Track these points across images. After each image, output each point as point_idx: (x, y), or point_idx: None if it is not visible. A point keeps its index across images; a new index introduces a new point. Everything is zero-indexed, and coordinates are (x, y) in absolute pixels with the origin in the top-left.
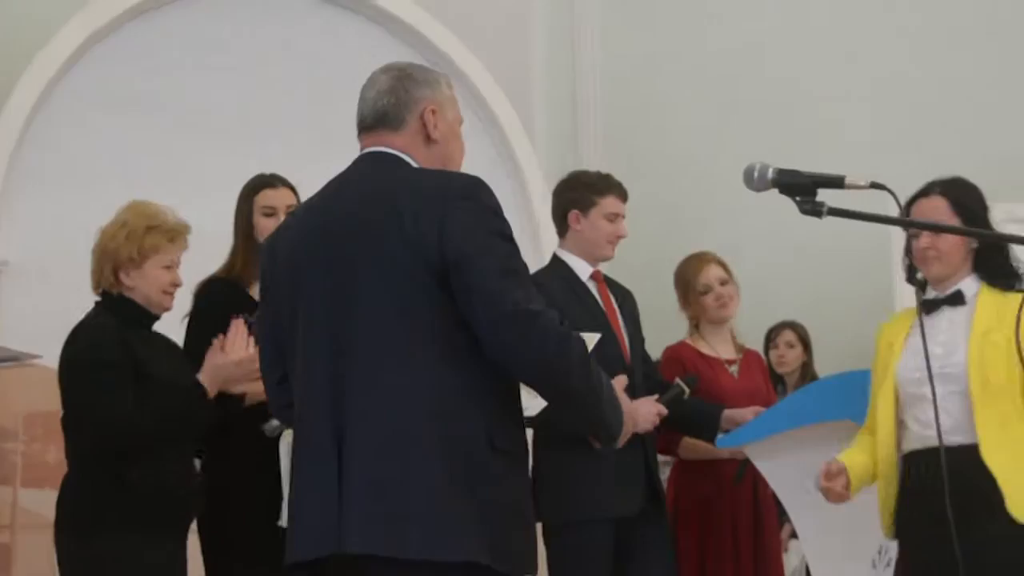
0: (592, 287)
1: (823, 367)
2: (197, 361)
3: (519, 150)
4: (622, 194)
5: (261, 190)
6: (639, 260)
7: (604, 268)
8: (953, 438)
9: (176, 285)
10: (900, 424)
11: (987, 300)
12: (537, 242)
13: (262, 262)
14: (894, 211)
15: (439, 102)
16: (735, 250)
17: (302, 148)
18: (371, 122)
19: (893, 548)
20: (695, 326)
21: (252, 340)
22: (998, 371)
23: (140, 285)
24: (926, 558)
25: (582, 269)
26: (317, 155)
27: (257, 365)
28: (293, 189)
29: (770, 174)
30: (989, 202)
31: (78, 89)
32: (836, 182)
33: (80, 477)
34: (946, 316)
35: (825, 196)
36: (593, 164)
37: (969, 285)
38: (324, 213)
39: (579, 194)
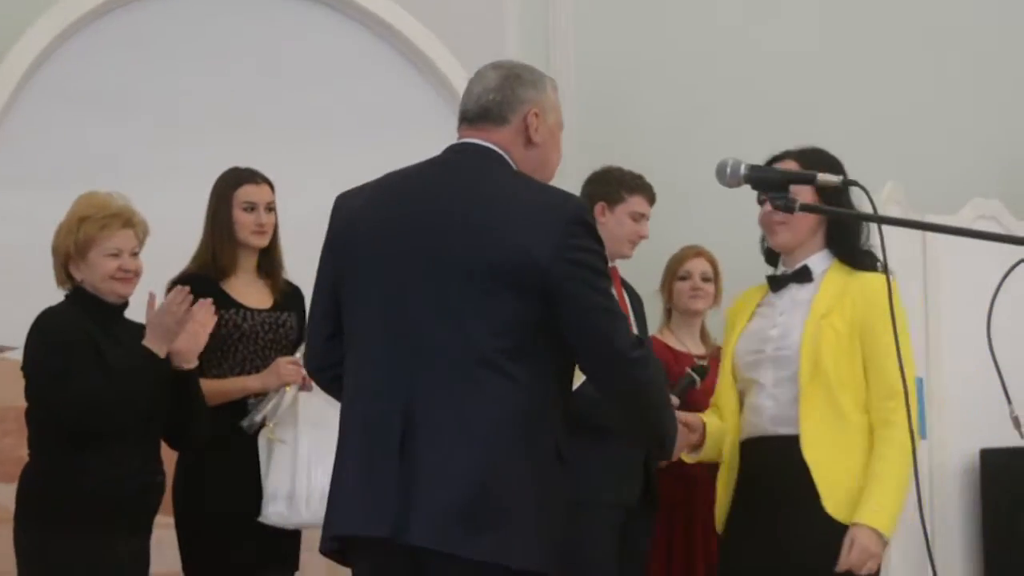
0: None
1: None
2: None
3: None
4: (651, 197)
5: (241, 185)
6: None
7: None
8: (780, 428)
9: (127, 271)
10: (742, 409)
11: (834, 279)
12: None
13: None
14: (867, 207)
15: (543, 105)
16: (706, 245)
17: (275, 143)
18: (473, 116)
19: None
20: (667, 317)
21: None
22: (832, 358)
23: (87, 276)
24: (742, 551)
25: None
26: (289, 150)
27: (184, 310)
28: (271, 185)
29: (742, 170)
30: (960, 201)
31: (48, 87)
32: (808, 179)
33: (38, 468)
34: (791, 294)
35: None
36: (565, 161)
37: (818, 261)
38: (415, 194)
39: (610, 188)
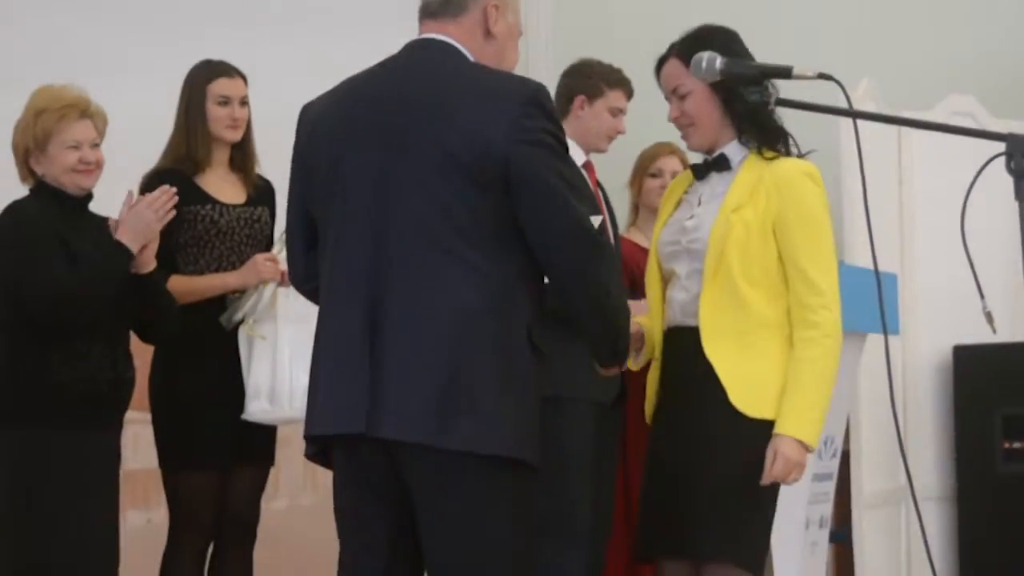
0: (584, 175)
1: None
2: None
3: None
4: (630, 92)
5: (216, 79)
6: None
7: None
8: (690, 320)
9: (88, 162)
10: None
11: (750, 169)
12: None
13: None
14: (843, 102)
15: (505, 1)
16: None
17: (249, 38)
18: (435, 8)
19: (839, 440)
20: (635, 214)
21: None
22: (739, 252)
23: (48, 170)
24: (656, 443)
25: (577, 155)
26: (264, 45)
27: (162, 209)
28: (245, 79)
29: (718, 64)
30: (935, 98)
31: None
32: (784, 72)
33: (5, 364)
34: (711, 184)
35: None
36: (539, 55)
37: (735, 150)
38: (374, 92)
39: (591, 82)
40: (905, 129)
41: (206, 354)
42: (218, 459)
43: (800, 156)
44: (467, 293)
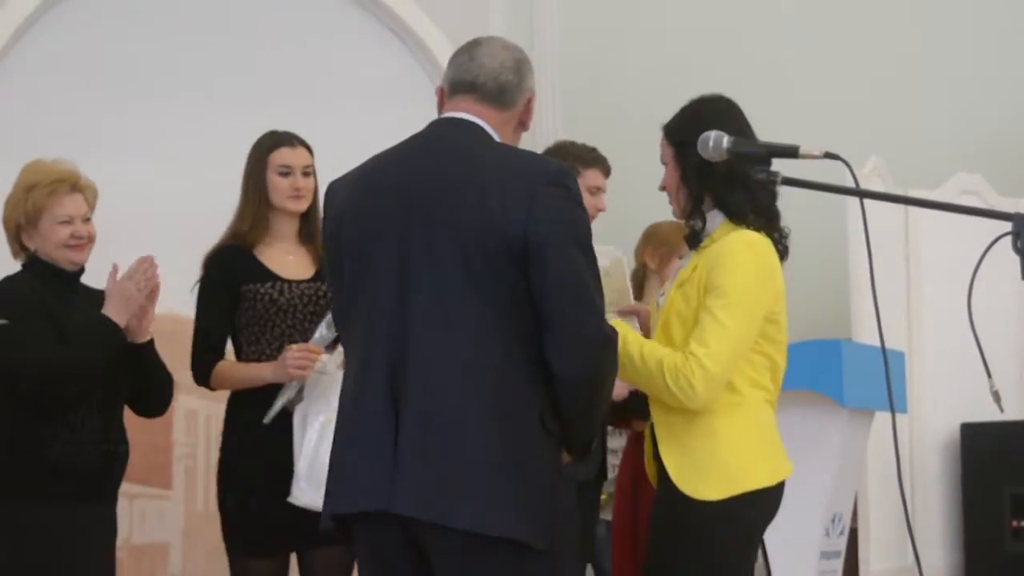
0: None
1: None
2: (210, 334)
3: None
4: (606, 169)
5: (277, 148)
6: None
7: None
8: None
9: (79, 237)
10: None
11: (707, 243)
12: None
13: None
14: (849, 181)
15: (535, 94)
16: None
17: (254, 112)
18: (487, 91)
19: (847, 517)
20: (638, 287)
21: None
22: (679, 325)
23: (40, 245)
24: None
25: None
26: (269, 119)
27: (143, 280)
28: (309, 149)
29: (725, 143)
30: (943, 175)
31: (29, 58)
32: (790, 151)
33: (0, 437)
34: (685, 260)
35: (780, 167)
36: (549, 134)
37: (712, 220)
38: (400, 171)
39: (567, 162)
40: (912, 207)
41: (266, 437)
42: (277, 544)
43: (768, 226)
44: (484, 375)
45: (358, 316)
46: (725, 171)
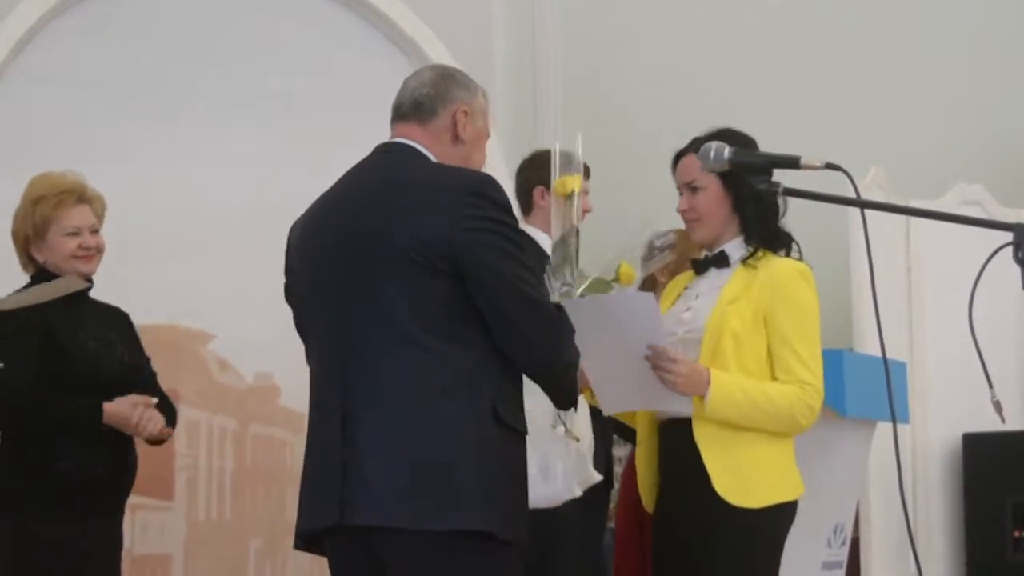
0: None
1: None
2: None
3: None
4: (586, 172)
5: None
6: (595, 241)
7: None
8: (685, 409)
9: (87, 248)
10: None
11: (747, 266)
12: None
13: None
14: (850, 192)
15: (472, 107)
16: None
17: (258, 128)
18: (406, 111)
19: (848, 527)
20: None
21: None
22: (733, 343)
23: (48, 257)
24: (657, 535)
25: (549, 246)
26: (274, 135)
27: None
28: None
29: (726, 154)
30: (944, 186)
31: (31, 69)
32: (792, 162)
33: (10, 451)
34: (710, 279)
35: (781, 177)
36: (550, 143)
37: (735, 248)
38: (340, 199)
39: (544, 171)
40: (913, 218)
41: None
42: None
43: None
44: (427, 377)
45: (312, 340)
46: (773, 204)
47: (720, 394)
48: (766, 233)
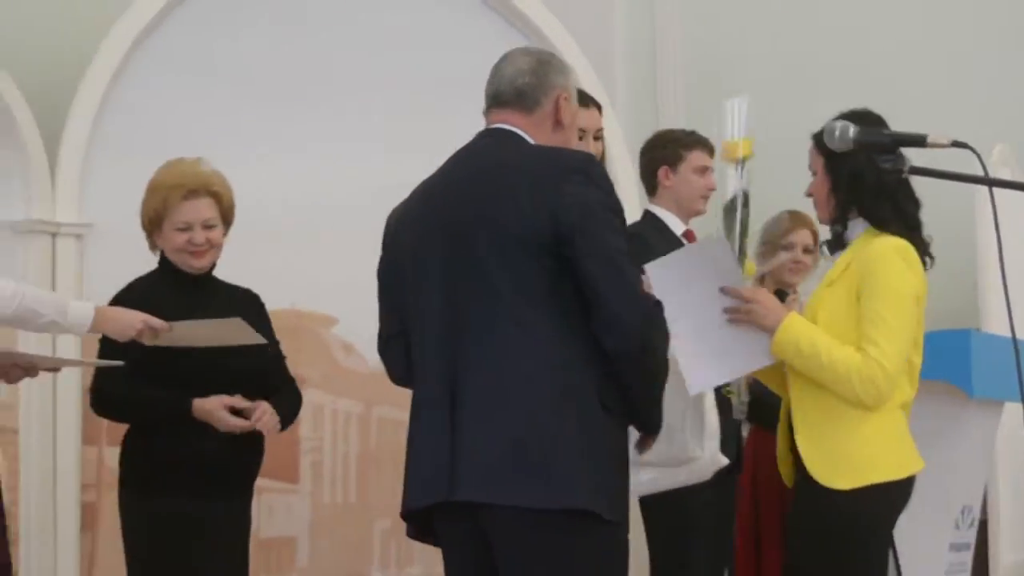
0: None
1: None
2: None
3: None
4: (709, 148)
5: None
6: (718, 220)
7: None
8: (769, 360)
9: (197, 244)
10: None
11: (854, 247)
12: None
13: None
14: (976, 170)
15: (570, 91)
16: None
17: (384, 115)
18: (507, 98)
19: (976, 509)
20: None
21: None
22: (828, 325)
23: (164, 246)
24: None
25: (676, 225)
26: (399, 121)
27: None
28: (600, 109)
29: (851, 133)
30: None
31: (158, 55)
32: (918, 140)
33: (136, 433)
34: (834, 261)
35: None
36: (673, 124)
37: (854, 227)
38: (444, 183)
39: (667, 151)
40: None
41: None
42: None
43: (911, 235)
44: (535, 358)
45: (414, 324)
46: (875, 183)
47: (786, 336)
48: (868, 212)
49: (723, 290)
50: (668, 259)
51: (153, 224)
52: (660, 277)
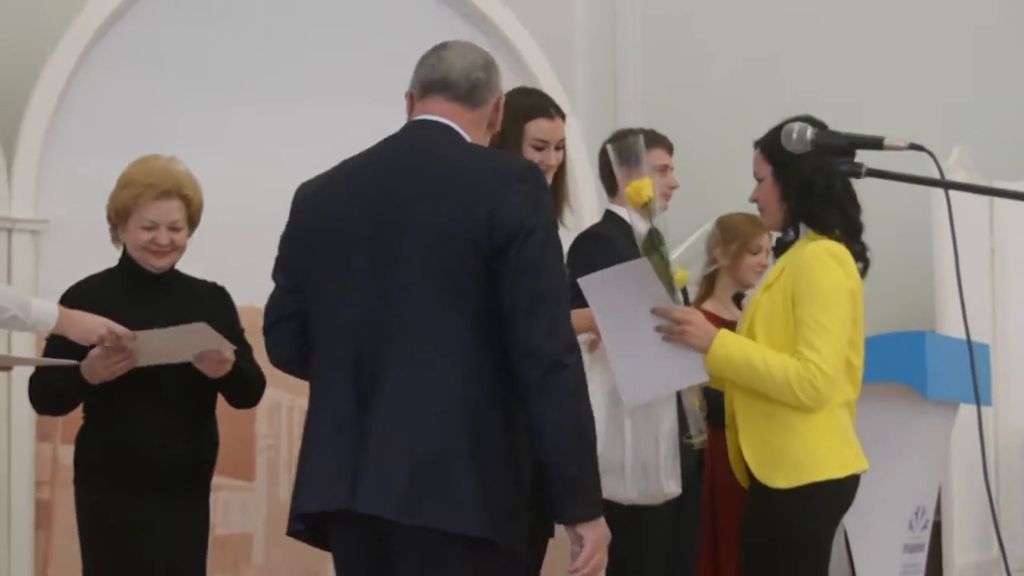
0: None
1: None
2: None
3: None
4: (668, 147)
5: (534, 118)
6: (677, 220)
7: None
8: (703, 376)
9: (160, 244)
10: None
11: (791, 251)
12: (577, 204)
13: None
14: (934, 173)
15: (502, 96)
16: None
17: (347, 110)
18: (460, 90)
19: (930, 510)
20: (710, 283)
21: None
22: (764, 328)
23: (127, 241)
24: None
25: (639, 224)
26: (360, 118)
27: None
28: (564, 118)
29: (809, 134)
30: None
31: (117, 49)
32: (875, 143)
33: (89, 431)
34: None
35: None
36: (630, 120)
37: (802, 231)
38: (375, 172)
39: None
40: (997, 199)
41: None
42: None
43: (851, 240)
44: (453, 372)
45: (322, 309)
46: (823, 189)
47: (721, 351)
48: (813, 219)
49: (655, 311)
50: (601, 275)
51: (119, 217)
52: (594, 292)
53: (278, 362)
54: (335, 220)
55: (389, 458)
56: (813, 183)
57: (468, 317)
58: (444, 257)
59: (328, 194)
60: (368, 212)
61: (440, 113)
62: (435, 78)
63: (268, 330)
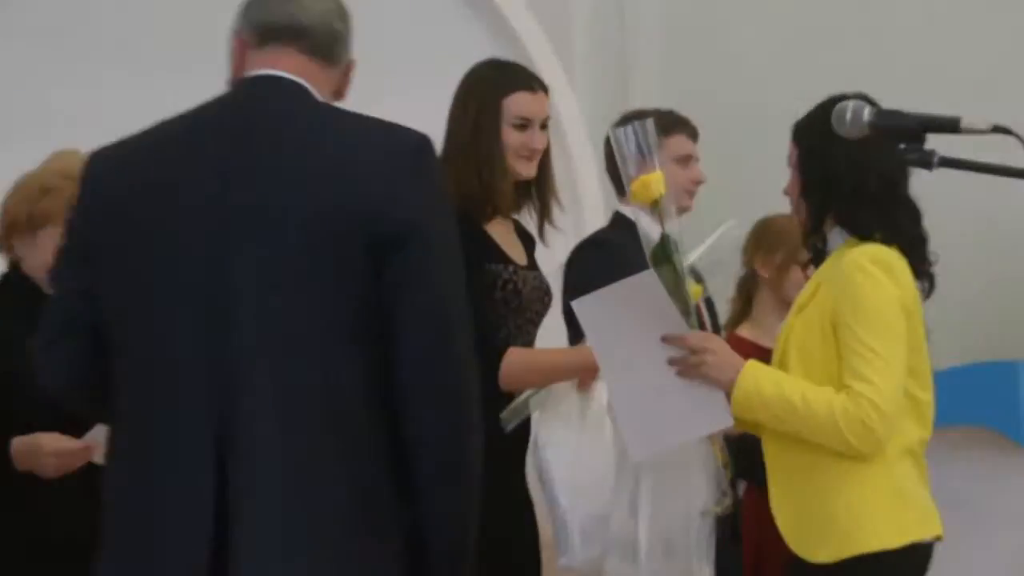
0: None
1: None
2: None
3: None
4: (691, 132)
5: (512, 91)
6: (702, 222)
7: None
8: (727, 421)
9: None
10: None
11: (828, 263)
12: (578, 205)
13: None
14: (1022, 161)
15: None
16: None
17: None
18: (319, 40)
19: None
20: (747, 305)
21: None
22: (799, 357)
23: (28, 257)
24: None
25: (654, 230)
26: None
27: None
28: (547, 91)
29: (866, 115)
30: None
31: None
32: (950, 125)
33: None
34: None
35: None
36: (649, 100)
37: (835, 237)
38: (211, 147)
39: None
40: None
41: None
42: None
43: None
44: (334, 427)
45: (141, 325)
46: (851, 187)
47: (749, 386)
48: (853, 217)
49: (665, 339)
50: (599, 296)
51: (29, 226)
52: (591, 317)
53: (58, 385)
54: (153, 205)
55: (259, 520)
56: (840, 177)
57: (350, 335)
58: (313, 254)
59: (140, 170)
60: (202, 198)
61: (290, 69)
62: (282, 22)
63: (46, 346)
